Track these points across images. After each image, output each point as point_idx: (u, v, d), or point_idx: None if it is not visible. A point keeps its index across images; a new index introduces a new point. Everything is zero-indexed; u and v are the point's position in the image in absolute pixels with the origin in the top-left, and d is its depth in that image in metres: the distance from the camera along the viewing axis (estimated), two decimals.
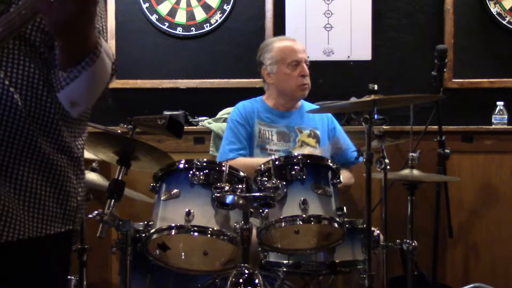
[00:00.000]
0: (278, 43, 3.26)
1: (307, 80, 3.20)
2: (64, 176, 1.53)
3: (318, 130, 3.27)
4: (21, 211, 1.46)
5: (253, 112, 3.24)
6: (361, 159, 3.19)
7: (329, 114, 3.38)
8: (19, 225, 1.45)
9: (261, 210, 2.43)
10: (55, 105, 1.49)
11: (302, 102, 3.34)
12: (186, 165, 2.50)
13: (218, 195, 2.35)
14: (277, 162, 2.55)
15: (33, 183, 1.48)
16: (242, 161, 3.04)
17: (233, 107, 3.37)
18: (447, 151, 3.27)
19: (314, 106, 3.35)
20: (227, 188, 2.38)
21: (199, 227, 2.37)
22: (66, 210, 1.55)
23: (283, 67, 3.20)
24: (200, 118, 3.75)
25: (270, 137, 3.20)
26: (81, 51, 1.37)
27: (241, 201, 2.29)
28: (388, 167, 2.75)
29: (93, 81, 1.42)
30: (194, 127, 3.72)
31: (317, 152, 3.19)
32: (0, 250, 1.44)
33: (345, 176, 3.10)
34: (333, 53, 3.93)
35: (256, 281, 2.23)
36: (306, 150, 3.18)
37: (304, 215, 2.41)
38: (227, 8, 3.92)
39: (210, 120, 3.65)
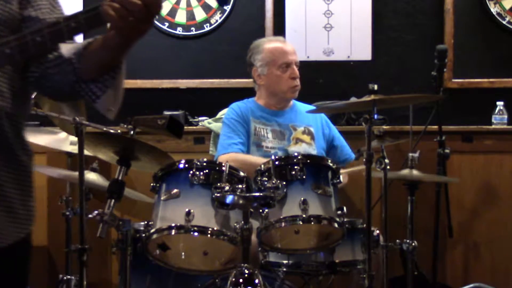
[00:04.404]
0: (268, 44, 3.25)
1: (298, 82, 3.20)
2: (27, 176, 1.54)
3: (312, 127, 3.28)
4: (2, 218, 1.46)
5: (247, 111, 3.25)
6: (353, 158, 3.23)
7: (322, 114, 3.39)
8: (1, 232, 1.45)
9: (261, 210, 2.42)
10: (18, 104, 1.49)
11: (293, 101, 3.35)
12: (186, 165, 2.50)
13: (218, 195, 2.35)
14: (277, 162, 2.55)
15: (8, 188, 1.47)
16: (241, 157, 3.04)
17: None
18: (447, 151, 3.27)
19: (305, 105, 3.36)
20: (227, 188, 2.38)
21: (199, 227, 2.37)
22: (29, 211, 1.54)
23: (274, 69, 3.19)
24: (200, 118, 3.75)
25: (265, 134, 3.21)
26: (121, 59, 1.46)
27: (241, 201, 2.29)
28: (388, 167, 2.75)
29: (122, 84, 1.49)
30: (194, 127, 3.72)
31: (312, 148, 3.20)
32: None
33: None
34: (333, 53, 3.93)
35: (256, 281, 2.24)
36: (302, 147, 3.18)
37: (304, 215, 2.41)
38: (227, 8, 3.92)
39: (210, 120, 3.65)
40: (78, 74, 1.47)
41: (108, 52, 1.44)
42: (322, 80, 3.90)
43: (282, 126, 3.24)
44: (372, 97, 2.62)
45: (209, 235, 2.39)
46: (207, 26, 3.94)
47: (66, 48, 1.47)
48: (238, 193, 2.34)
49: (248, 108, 3.26)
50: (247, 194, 2.37)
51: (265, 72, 3.22)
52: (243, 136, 3.18)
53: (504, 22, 3.85)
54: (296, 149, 3.15)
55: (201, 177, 2.45)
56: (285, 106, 3.30)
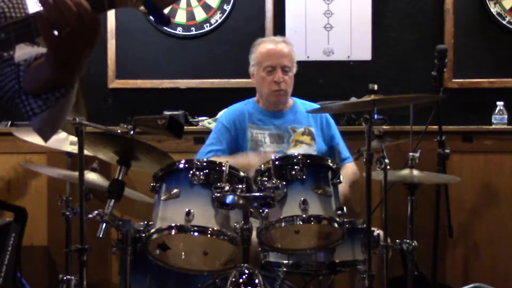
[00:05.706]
0: (261, 45, 3.25)
1: (282, 86, 3.17)
2: None
3: (312, 127, 3.27)
4: None
5: (243, 116, 3.25)
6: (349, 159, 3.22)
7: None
8: None
9: (261, 210, 2.42)
10: None
11: (294, 100, 3.34)
12: (186, 165, 2.50)
13: (218, 195, 2.35)
14: (277, 162, 2.55)
15: None
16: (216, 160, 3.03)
17: None
18: (447, 151, 3.26)
19: (307, 103, 3.35)
20: (227, 188, 2.38)
21: (199, 227, 2.37)
22: None
23: (260, 70, 3.21)
24: (200, 118, 3.75)
25: (262, 139, 3.21)
26: (66, 82, 1.31)
27: (241, 201, 2.29)
28: (388, 167, 2.75)
29: (67, 108, 1.36)
30: (194, 127, 3.72)
31: (313, 149, 3.20)
32: None
33: (350, 170, 3.11)
34: (333, 53, 3.93)
35: (256, 281, 2.23)
36: (302, 149, 3.18)
37: (304, 215, 2.41)
38: (227, 8, 3.92)
39: (210, 120, 3.66)
40: (22, 83, 1.36)
41: (46, 69, 1.28)
42: (322, 80, 3.90)
43: (280, 128, 3.24)
44: (372, 97, 2.62)
45: (209, 235, 2.38)
46: (207, 26, 3.94)
47: (21, 51, 1.36)
48: (238, 193, 2.33)
49: (245, 112, 3.26)
50: (247, 194, 2.37)
51: (255, 72, 3.25)
52: (226, 145, 3.19)
53: (504, 22, 3.85)
54: (295, 151, 3.15)
55: (201, 177, 2.44)
56: (283, 107, 3.30)
